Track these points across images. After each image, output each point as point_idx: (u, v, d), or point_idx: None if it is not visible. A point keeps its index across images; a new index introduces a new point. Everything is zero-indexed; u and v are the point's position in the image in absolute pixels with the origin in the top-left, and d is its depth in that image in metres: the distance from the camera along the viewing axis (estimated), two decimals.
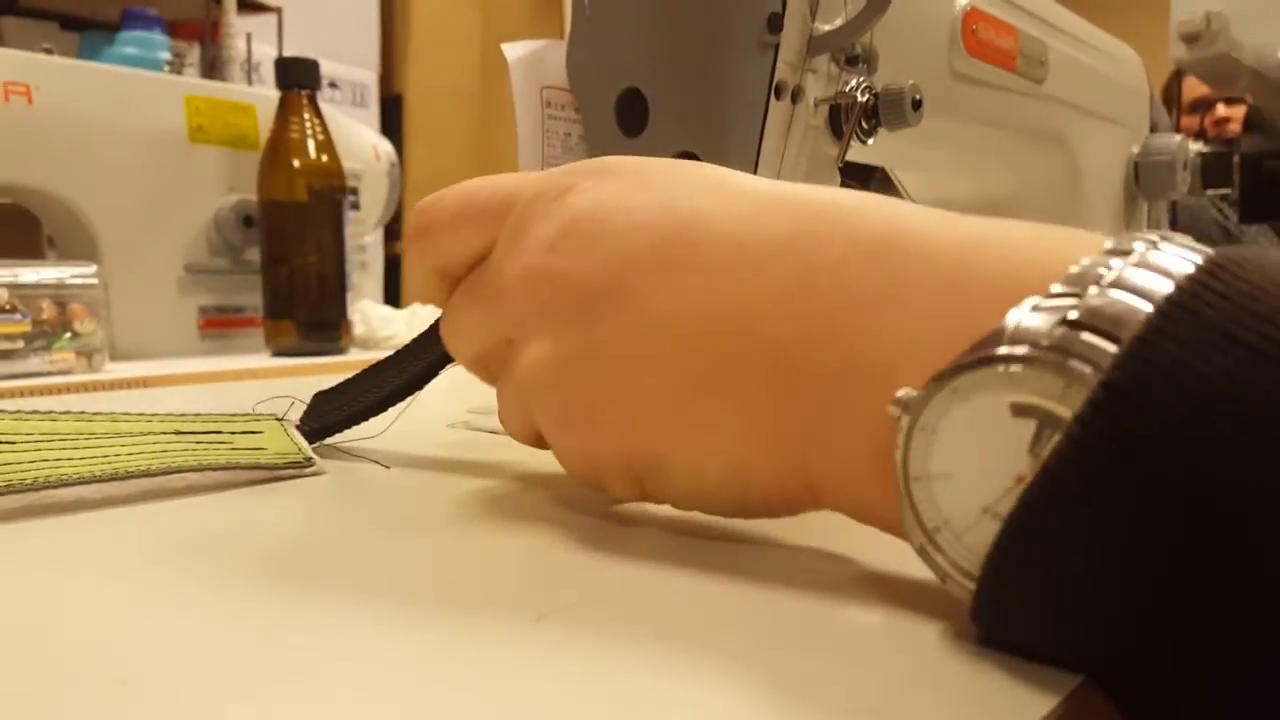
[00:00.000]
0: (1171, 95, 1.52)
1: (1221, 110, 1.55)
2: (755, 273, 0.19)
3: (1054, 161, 0.51)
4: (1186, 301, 0.13)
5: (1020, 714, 0.13)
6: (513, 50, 0.39)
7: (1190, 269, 0.14)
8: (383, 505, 0.26)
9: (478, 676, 0.14)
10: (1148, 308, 0.13)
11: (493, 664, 0.15)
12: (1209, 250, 0.14)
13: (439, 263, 0.24)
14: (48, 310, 0.61)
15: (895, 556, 0.18)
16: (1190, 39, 1.21)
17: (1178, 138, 0.56)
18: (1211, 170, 1.15)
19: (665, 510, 0.23)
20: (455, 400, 0.47)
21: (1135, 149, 0.56)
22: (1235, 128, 1.50)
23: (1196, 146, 0.74)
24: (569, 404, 0.21)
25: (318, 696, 0.13)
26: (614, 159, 0.22)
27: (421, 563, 0.20)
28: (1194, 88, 1.55)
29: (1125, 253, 0.15)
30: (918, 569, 0.16)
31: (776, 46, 0.31)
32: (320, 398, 0.33)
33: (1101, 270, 0.15)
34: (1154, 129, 0.59)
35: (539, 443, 0.23)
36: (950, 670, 0.14)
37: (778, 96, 0.32)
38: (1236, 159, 1.12)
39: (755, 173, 0.32)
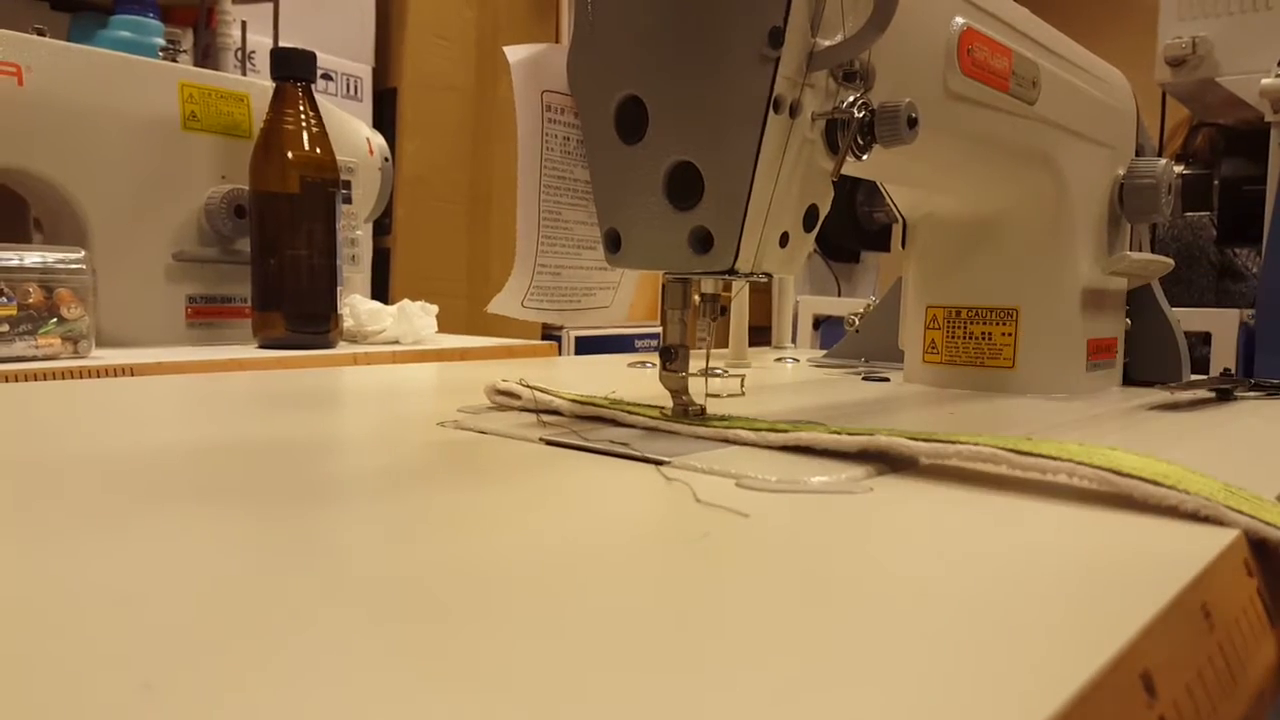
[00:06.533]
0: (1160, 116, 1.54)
1: None
2: None
3: (1041, 181, 0.52)
4: None
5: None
6: (514, 53, 0.39)
7: None
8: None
9: None
10: None
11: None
12: None
13: None
14: (34, 294, 0.61)
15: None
16: (1175, 62, 1.23)
17: (1163, 161, 0.57)
18: (1192, 193, 1.17)
19: None
20: (445, 399, 0.48)
21: (1120, 171, 0.57)
22: None
23: (1178, 169, 0.74)
24: None
25: None
26: None
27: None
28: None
29: None
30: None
31: (777, 60, 0.32)
32: None
33: None
34: (1140, 152, 0.60)
35: None
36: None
37: (776, 110, 0.32)
38: (1216, 182, 1.14)
39: (751, 184, 0.32)
